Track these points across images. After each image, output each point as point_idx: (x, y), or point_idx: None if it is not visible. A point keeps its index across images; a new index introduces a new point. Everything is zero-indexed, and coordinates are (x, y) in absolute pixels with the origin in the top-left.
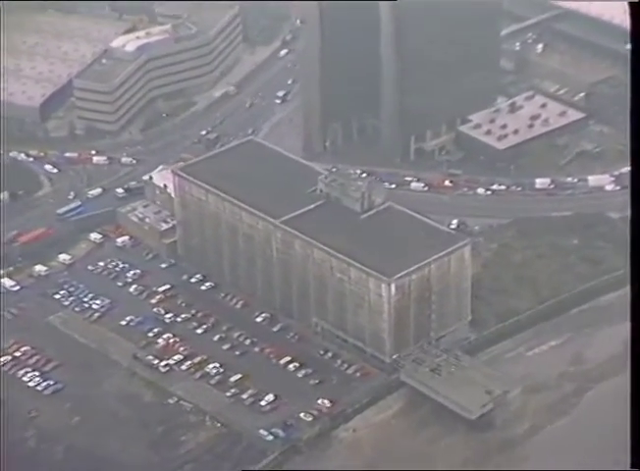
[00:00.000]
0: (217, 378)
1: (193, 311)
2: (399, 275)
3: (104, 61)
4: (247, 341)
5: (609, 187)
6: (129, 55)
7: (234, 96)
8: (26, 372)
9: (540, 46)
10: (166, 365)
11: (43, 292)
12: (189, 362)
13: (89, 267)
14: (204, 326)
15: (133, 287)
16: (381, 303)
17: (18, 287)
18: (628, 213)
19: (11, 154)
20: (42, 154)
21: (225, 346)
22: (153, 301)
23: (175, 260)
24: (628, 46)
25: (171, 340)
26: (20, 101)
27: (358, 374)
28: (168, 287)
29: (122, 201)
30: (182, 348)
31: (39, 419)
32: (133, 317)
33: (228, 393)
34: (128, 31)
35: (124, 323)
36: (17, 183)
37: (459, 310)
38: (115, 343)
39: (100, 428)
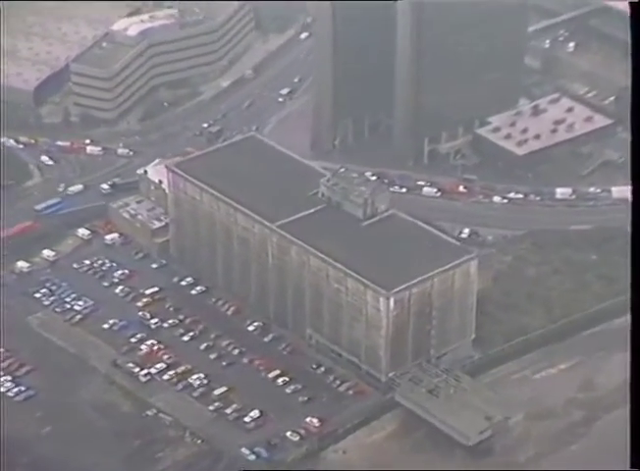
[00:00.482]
0: (200, 390)
1: (181, 316)
2: (398, 288)
3: (104, 44)
4: (236, 351)
5: None
6: (131, 39)
7: (244, 85)
8: None
9: (572, 45)
10: (147, 374)
11: (24, 291)
12: (172, 372)
13: (74, 265)
14: (191, 333)
15: (120, 287)
16: (378, 318)
17: None
18: None
19: (0, 140)
20: (33, 141)
21: (212, 356)
22: (139, 304)
23: (166, 261)
24: None
25: (155, 348)
26: (14, 83)
27: (351, 392)
28: (156, 289)
29: (106, 199)
30: (165, 356)
31: (6, 427)
32: (116, 320)
33: (211, 407)
34: (131, 14)
35: (106, 326)
36: (4, 173)
37: (463, 327)
38: (95, 348)
39: (72, 439)
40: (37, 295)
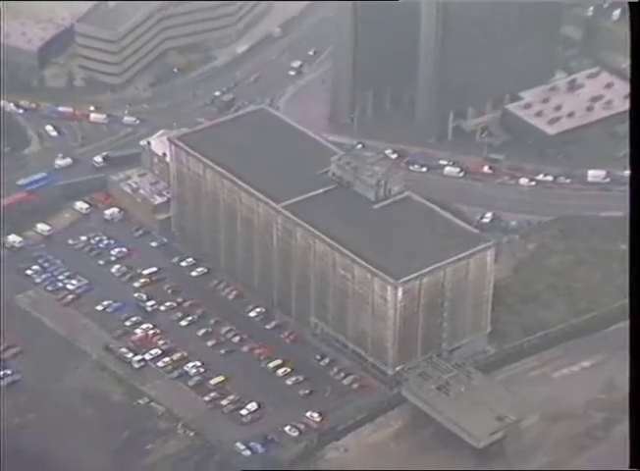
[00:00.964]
0: (196, 379)
1: (180, 299)
2: (407, 277)
3: (112, 4)
4: (236, 339)
5: None
6: None
7: (261, 51)
8: None
9: (617, 12)
10: (141, 360)
11: (15, 267)
12: (167, 358)
13: (70, 241)
14: (190, 317)
15: (116, 267)
16: (386, 308)
17: None
18: None
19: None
20: (34, 105)
21: (209, 343)
22: (136, 285)
23: (167, 239)
24: None
25: (150, 332)
26: (17, 43)
27: (355, 385)
28: (155, 269)
29: (99, 173)
30: (161, 342)
31: None
32: (111, 302)
33: (206, 398)
34: None
35: (100, 308)
36: (2, 138)
37: (477, 320)
38: (87, 331)
39: (56, 429)
40: (29, 272)
